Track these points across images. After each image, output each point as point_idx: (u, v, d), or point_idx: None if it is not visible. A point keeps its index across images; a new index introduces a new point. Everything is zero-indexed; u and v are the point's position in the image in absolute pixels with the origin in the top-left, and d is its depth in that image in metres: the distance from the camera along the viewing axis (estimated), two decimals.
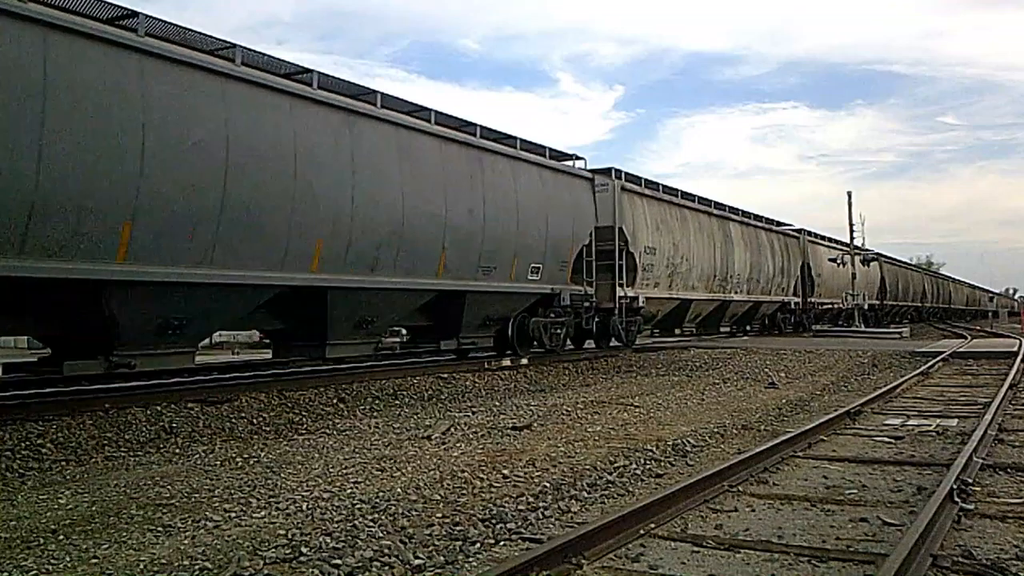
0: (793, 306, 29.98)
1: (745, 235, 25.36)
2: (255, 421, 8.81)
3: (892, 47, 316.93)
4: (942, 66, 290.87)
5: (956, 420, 8.80)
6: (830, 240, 35.65)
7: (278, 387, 10.41)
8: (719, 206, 23.99)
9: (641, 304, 18.58)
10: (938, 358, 16.88)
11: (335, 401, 10.22)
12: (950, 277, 77.93)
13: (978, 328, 44.47)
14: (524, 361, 15.27)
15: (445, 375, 12.72)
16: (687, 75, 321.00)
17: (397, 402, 10.70)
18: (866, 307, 35.53)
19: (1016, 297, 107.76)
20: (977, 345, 22.29)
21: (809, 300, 31.56)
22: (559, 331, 16.14)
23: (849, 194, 35.85)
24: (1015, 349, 18.36)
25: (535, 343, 15.63)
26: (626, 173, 18.81)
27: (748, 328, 28.53)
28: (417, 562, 4.00)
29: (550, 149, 15.82)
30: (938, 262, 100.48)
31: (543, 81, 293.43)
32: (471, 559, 4.12)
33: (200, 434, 8.06)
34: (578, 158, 17.13)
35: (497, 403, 10.48)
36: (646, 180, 19.88)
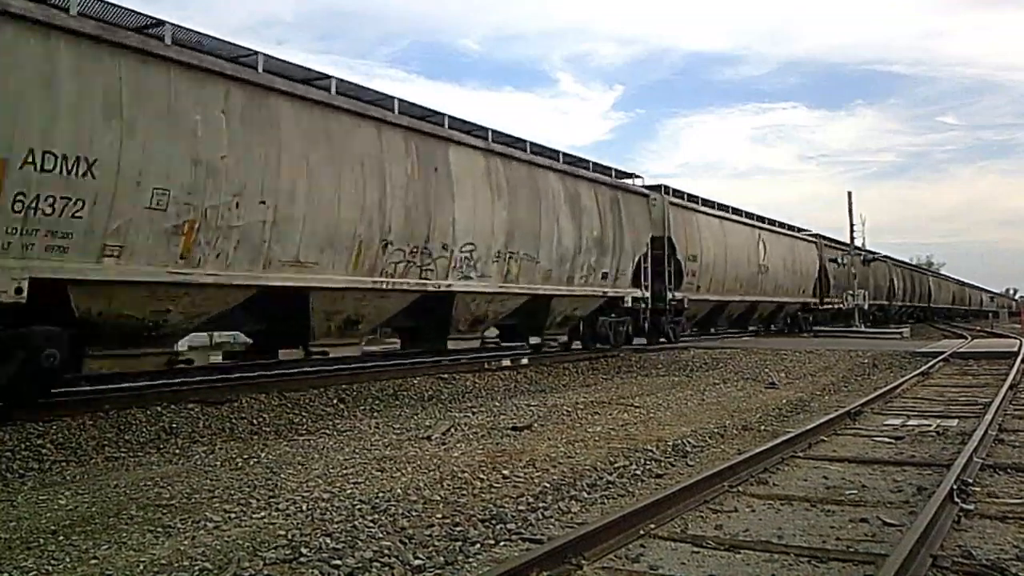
0: (630, 303, 18.19)
1: (498, 175, 13.81)
2: (255, 422, 8.82)
3: (892, 47, 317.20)
4: (942, 66, 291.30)
5: (956, 420, 8.79)
6: (721, 207, 23.99)
7: (278, 388, 10.42)
8: (415, 110, 12.39)
9: None
10: (938, 358, 16.88)
11: (335, 402, 10.23)
12: (931, 271, 70.71)
13: (978, 328, 44.46)
14: (524, 361, 15.28)
15: (445, 375, 12.73)
16: (687, 75, 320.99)
17: (397, 402, 10.69)
18: (796, 309, 30.26)
19: (1016, 297, 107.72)
20: (977, 345, 22.30)
21: (674, 296, 20.30)
22: None
23: (849, 194, 34.73)
24: (1015, 349, 18.36)
25: None
26: None
27: (542, 343, 16.86)
28: (417, 563, 4.01)
29: None
30: (938, 262, 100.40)
31: (543, 81, 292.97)
32: (471, 560, 4.12)
33: (200, 435, 8.07)
34: None
35: (497, 403, 10.47)
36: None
